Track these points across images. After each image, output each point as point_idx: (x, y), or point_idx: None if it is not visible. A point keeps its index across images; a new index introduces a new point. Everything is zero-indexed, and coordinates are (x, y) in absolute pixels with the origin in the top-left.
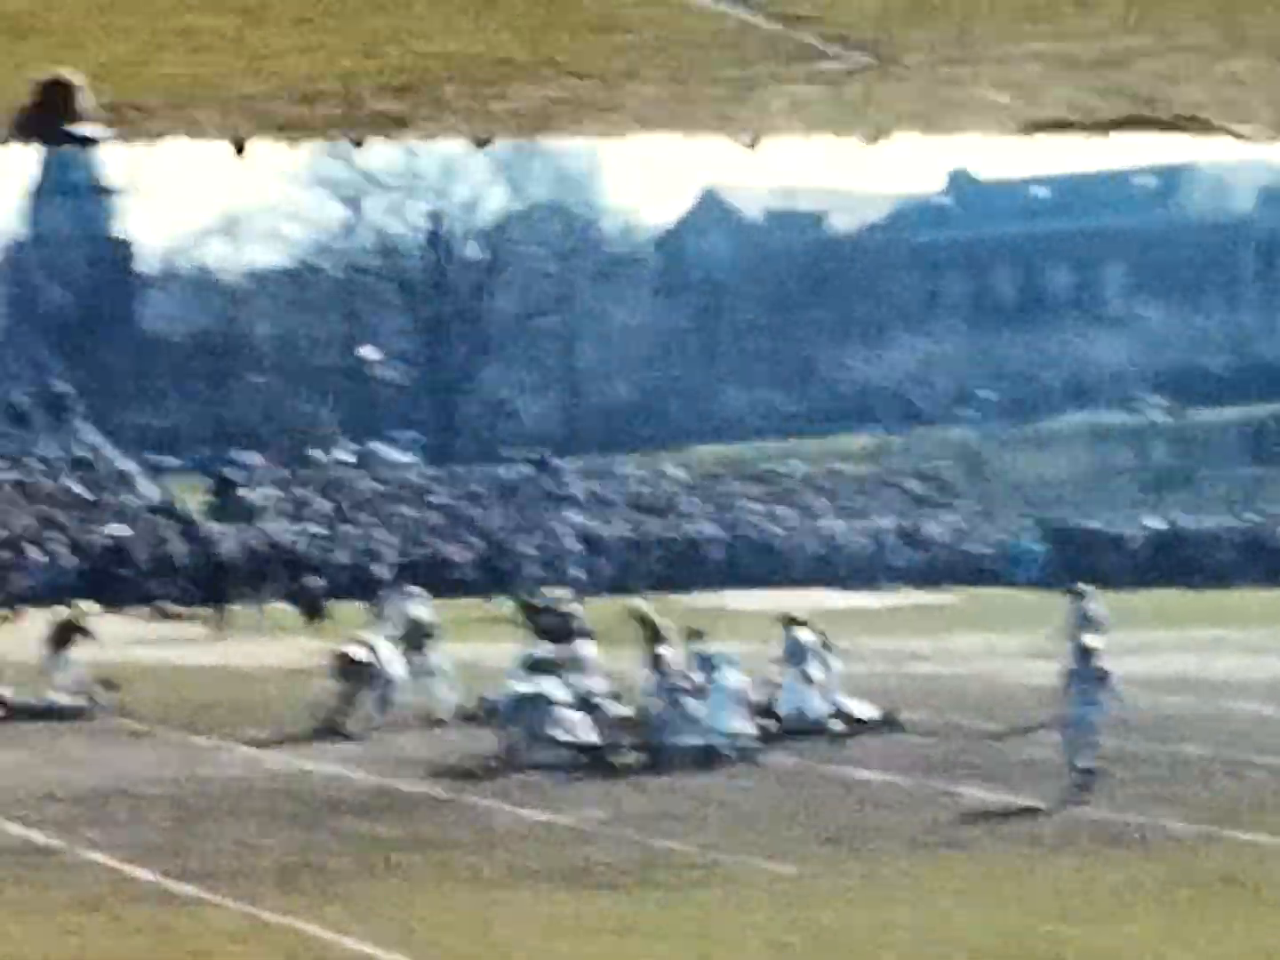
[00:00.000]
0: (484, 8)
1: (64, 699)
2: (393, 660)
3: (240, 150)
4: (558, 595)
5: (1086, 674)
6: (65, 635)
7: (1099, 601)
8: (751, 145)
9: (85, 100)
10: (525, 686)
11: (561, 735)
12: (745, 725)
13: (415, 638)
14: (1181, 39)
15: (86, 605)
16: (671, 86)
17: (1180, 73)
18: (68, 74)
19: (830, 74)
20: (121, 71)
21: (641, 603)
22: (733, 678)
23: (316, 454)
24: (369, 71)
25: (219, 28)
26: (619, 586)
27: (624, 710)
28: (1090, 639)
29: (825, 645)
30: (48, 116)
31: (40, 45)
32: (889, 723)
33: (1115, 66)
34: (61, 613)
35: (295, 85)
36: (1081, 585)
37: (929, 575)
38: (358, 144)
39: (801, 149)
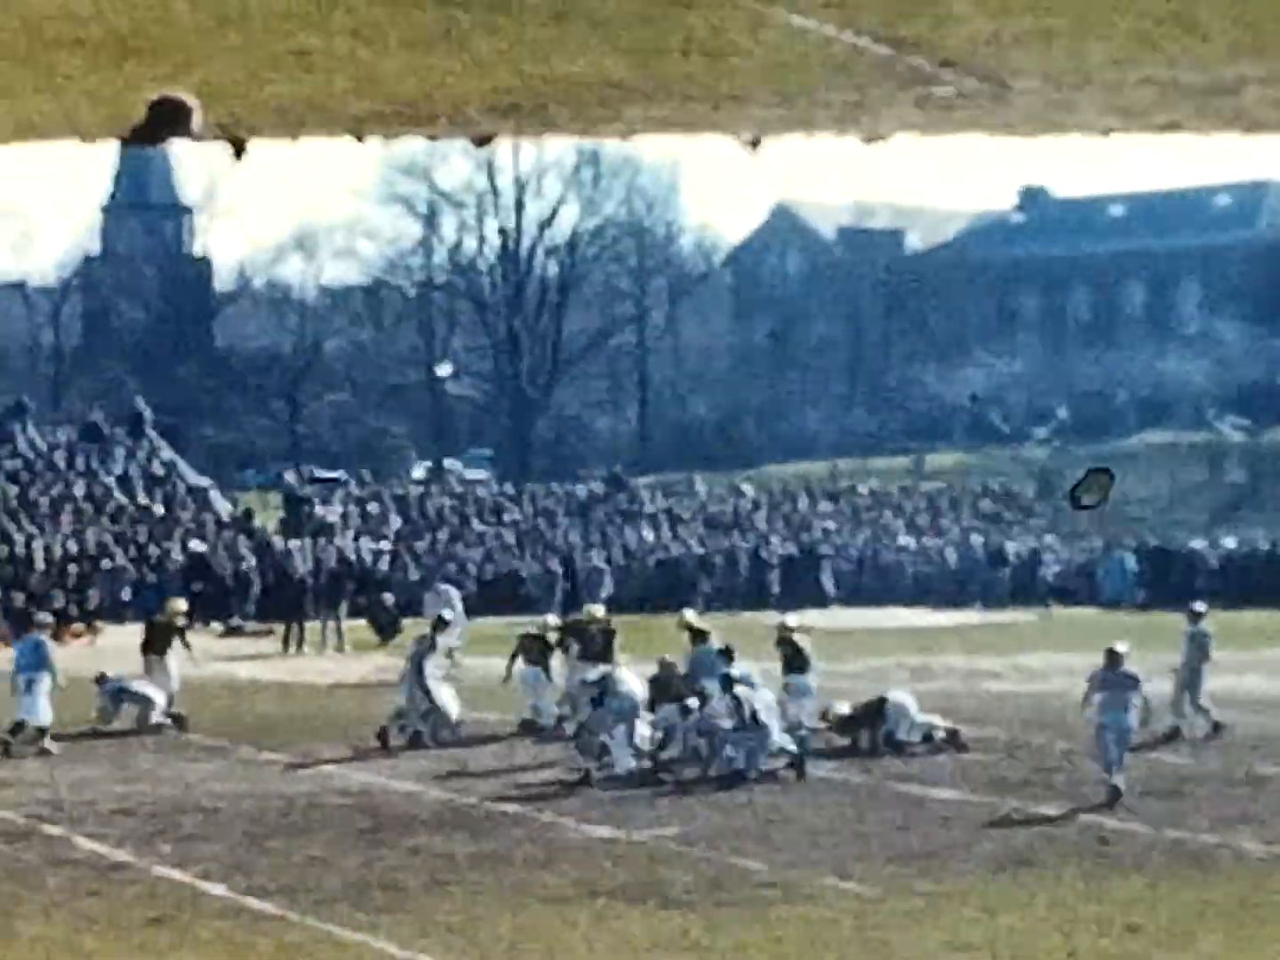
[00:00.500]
0: (594, 30)
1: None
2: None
3: (240, 153)
4: (594, 613)
5: (1114, 681)
6: (162, 640)
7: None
8: (754, 145)
9: (197, 121)
10: (601, 698)
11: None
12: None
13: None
14: None
15: (179, 603)
16: (781, 110)
17: None
18: (181, 95)
19: (941, 98)
20: (230, 91)
21: (693, 614)
22: (765, 695)
23: (390, 470)
24: (479, 93)
25: (329, 48)
26: (689, 604)
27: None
28: (1119, 646)
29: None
30: (159, 135)
31: (148, 64)
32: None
33: (1226, 94)
34: (166, 616)
35: (404, 106)
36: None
37: (1004, 594)
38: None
39: (877, 166)
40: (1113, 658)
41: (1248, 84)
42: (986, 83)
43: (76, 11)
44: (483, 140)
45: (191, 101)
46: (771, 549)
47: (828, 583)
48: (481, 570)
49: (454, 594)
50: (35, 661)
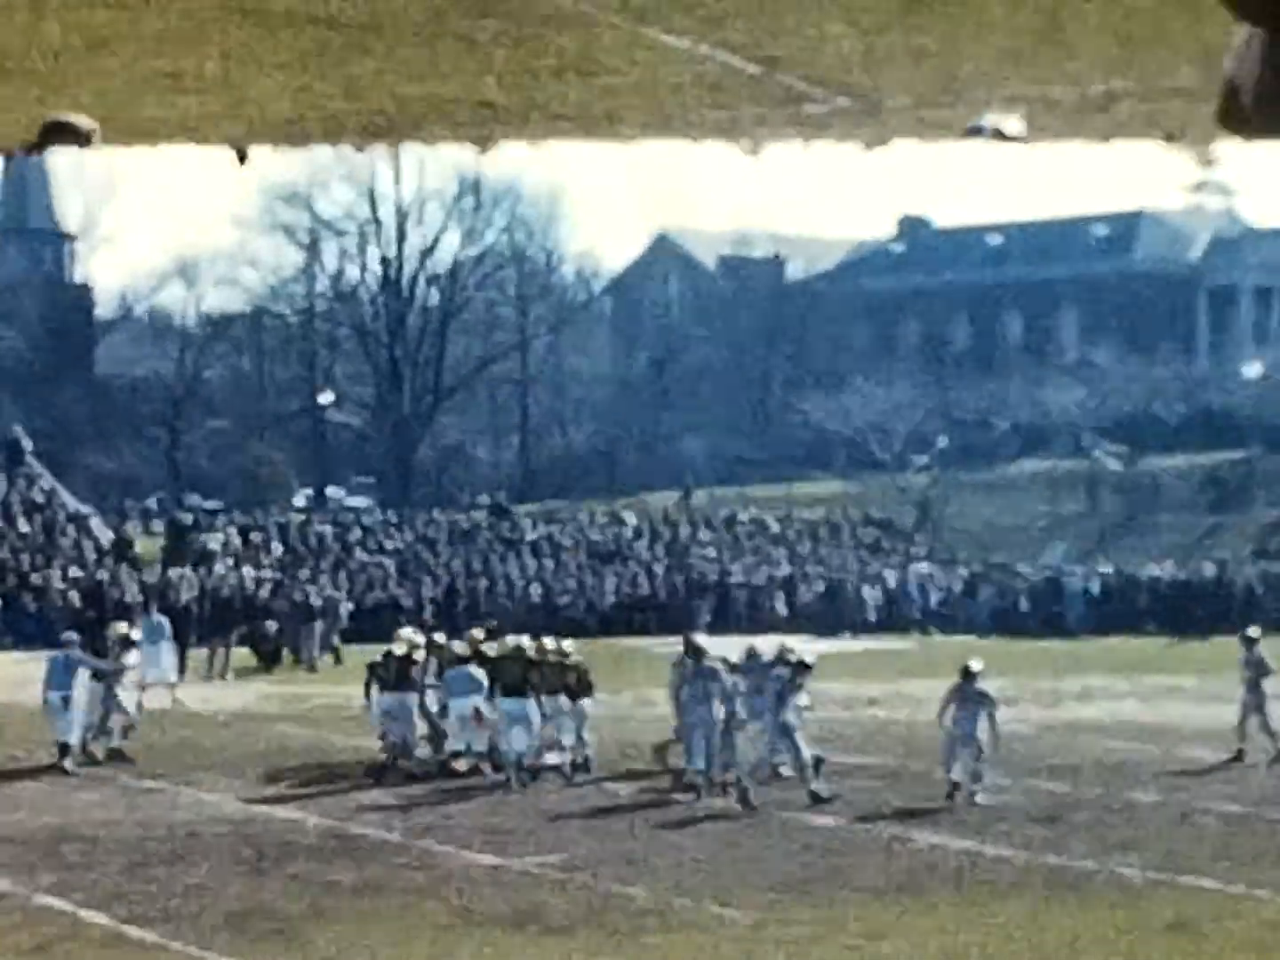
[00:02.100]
0: (467, 51)
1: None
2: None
3: (243, 160)
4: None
5: (967, 695)
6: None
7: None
8: (754, 153)
9: (94, 144)
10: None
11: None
12: None
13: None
14: (1163, 82)
15: (121, 626)
16: (653, 130)
17: (1161, 117)
18: (77, 119)
19: (813, 117)
20: (104, 113)
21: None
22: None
23: (272, 498)
24: (352, 114)
25: (202, 70)
26: (572, 632)
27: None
28: (974, 663)
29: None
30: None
31: (20, 86)
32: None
33: (1096, 110)
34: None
35: (278, 128)
36: (1252, 630)
37: (883, 621)
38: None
39: (753, 194)
40: (967, 675)
41: (1118, 100)
42: (858, 101)
43: None
44: (483, 141)
45: (88, 124)
46: (654, 576)
47: (671, 602)
48: (361, 597)
49: (165, 623)
50: (67, 680)
